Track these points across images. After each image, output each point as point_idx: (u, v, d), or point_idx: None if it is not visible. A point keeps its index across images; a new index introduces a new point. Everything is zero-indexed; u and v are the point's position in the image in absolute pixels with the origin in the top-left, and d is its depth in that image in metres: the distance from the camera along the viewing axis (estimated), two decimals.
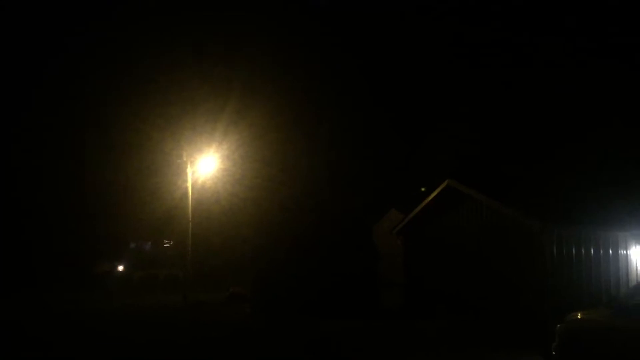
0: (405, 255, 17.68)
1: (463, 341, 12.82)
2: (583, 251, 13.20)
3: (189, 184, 22.87)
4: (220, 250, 30.81)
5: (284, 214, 23.16)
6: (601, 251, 13.33)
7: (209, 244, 29.68)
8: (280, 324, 16.86)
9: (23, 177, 33.26)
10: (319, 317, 17.01)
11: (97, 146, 31.79)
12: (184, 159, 22.94)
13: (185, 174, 23.26)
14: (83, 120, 32.31)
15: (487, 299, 14.12)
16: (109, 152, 31.28)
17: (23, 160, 33.18)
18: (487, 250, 14.37)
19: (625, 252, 13.39)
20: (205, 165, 23.70)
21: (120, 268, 34.41)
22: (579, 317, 9.33)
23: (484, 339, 12.79)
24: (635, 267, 13.27)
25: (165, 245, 38.04)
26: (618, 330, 8.26)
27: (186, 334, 15.27)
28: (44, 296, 25.83)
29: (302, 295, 19.63)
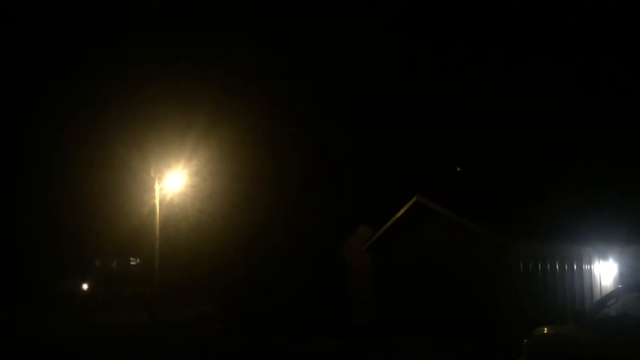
0: (374, 272, 17.71)
1: (433, 356, 12.85)
2: (549, 266, 13.47)
3: (157, 201, 22.56)
4: (188, 267, 30.36)
5: (253, 230, 23.02)
6: (566, 266, 13.62)
7: (177, 261, 29.25)
8: (251, 343, 16.64)
9: None
10: (289, 336, 16.84)
11: (61, 162, 31.07)
12: (152, 175, 22.62)
13: (153, 191, 22.94)
14: (45, 136, 31.64)
15: (456, 314, 14.25)
16: (74, 168, 30.62)
17: None
18: (455, 266, 14.53)
19: (589, 267, 13.70)
20: (174, 182, 23.42)
21: (85, 286, 33.56)
22: (545, 331, 9.47)
23: (453, 354, 12.86)
24: (599, 282, 13.57)
25: (131, 263, 37.35)
26: (584, 344, 8.42)
27: (155, 355, 14.93)
28: (1, 317, 24.95)
29: (271, 313, 19.42)
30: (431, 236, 15.56)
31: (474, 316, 13.73)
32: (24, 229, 33.04)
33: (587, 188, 16.54)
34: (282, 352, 14.96)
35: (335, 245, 25.21)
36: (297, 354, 14.41)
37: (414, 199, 15.57)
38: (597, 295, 13.36)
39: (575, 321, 8.96)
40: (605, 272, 13.46)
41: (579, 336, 8.53)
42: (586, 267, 13.67)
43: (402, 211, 16.00)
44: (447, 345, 13.48)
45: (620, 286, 11.80)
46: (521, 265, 13.17)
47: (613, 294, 9.13)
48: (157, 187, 22.81)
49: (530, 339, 9.51)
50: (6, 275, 30.95)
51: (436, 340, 14.00)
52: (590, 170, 17.98)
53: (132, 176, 25.51)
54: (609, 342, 8.09)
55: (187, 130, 23.89)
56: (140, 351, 15.62)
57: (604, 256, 13.47)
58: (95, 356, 14.68)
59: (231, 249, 22.55)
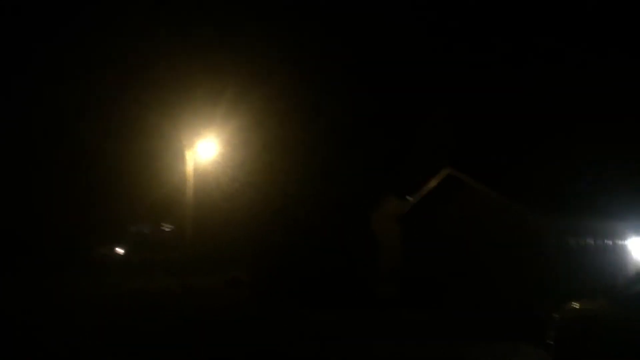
0: (403, 244, 17.68)
1: (459, 332, 12.84)
2: (582, 242, 13.28)
3: (188, 168, 22.82)
4: (220, 235, 30.82)
5: (284, 199, 23.17)
6: (600, 242, 13.41)
7: (209, 228, 29.68)
8: (276, 310, 16.93)
9: (22, 161, 33.22)
10: (315, 306, 17.06)
11: (96, 131, 31.59)
12: (183, 142, 22.85)
13: (185, 159, 23.19)
14: (80, 105, 32.14)
15: (486, 289, 14.19)
16: (108, 137, 31.14)
17: (22, 144, 33.14)
18: (486, 240, 14.42)
19: (623, 242, 13.45)
20: (205, 150, 23.60)
21: (120, 251, 34.47)
22: (575, 306, 9.38)
23: (481, 329, 12.82)
24: (632, 258, 13.34)
25: (165, 230, 38.11)
26: (614, 319, 8.32)
27: (181, 318, 15.36)
28: (42, 280, 25.91)
29: (299, 282, 19.67)
30: (462, 209, 15.42)
31: (505, 291, 13.65)
32: (62, 195, 33.96)
33: (621, 163, 16.14)
34: (301, 320, 15.22)
35: (366, 215, 25.25)
36: (315, 322, 14.66)
37: (446, 171, 15.42)
38: (631, 271, 13.15)
39: (606, 296, 8.85)
40: (638, 247, 13.22)
41: (609, 311, 8.44)
42: (620, 242, 13.44)
43: (434, 183, 15.88)
44: (475, 322, 13.45)
45: None
46: (553, 241, 13.00)
47: None
48: (188, 155, 23.04)
49: (560, 313, 9.43)
50: (46, 239, 32.00)
51: (463, 317, 13.97)
52: (625, 145, 17.51)
53: (165, 145, 25.84)
54: (638, 319, 7.98)
55: (218, 98, 23.95)
56: (167, 315, 16.08)
57: (638, 232, 13.21)
58: (122, 319, 15.13)
59: (262, 217, 22.77)
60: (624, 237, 13.61)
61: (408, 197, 18.33)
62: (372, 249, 21.85)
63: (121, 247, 34.80)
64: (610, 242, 13.51)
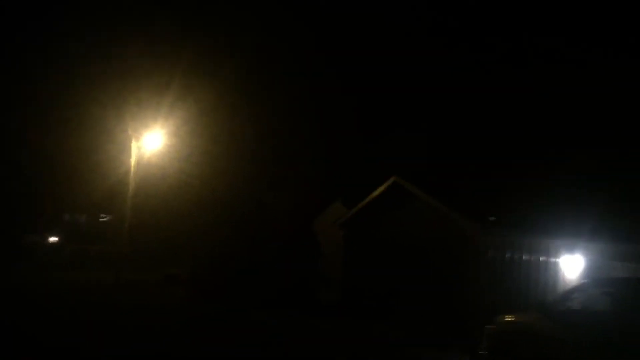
0: (345, 250, 17.67)
1: (393, 339, 12.98)
2: (516, 256, 13.66)
3: (133, 159, 22.22)
4: (162, 229, 30.09)
5: (228, 196, 22.85)
6: (534, 257, 13.82)
7: (152, 221, 28.96)
8: (214, 310, 16.62)
9: None
10: (254, 306, 16.88)
11: (36, 122, 30.36)
12: (129, 132, 22.23)
13: (130, 150, 22.56)
14: (21, 94, 30.78)
15: (423, 298, 14.37)
16: (48, 128, 29.97)
17: None
18: (426, 250, 14.61)
19: (556, 260, 13.90)
20: (151, 141, 23.03)
21: (53, 239, 33.11)
22: (507, 319, 9.61)
23: (415, 338, 12.99)
24: (564, 275, 13.80)
25: (101, 220, 36.90)
26: (544, 334, 8.56)
27: (112, 315, 14.77)
28: None
29: (238, 283, 19.40)
30: (405, 218, 15.57)
31: (440, 302, 13.88)
32: None
33: (560, 182, 16.74)
34: (238, 320, 15.00)
35: (309, 219, 25.17)
36: (253, 323, 14.47)
37: (392, 179, 15.54)
38: (562, 288, 13.59)
39: (538, 311, 9.09)
40: (571, 266, 13.69)
41: (540, 326, 8.68)
42: (553, 260, 13.88)
43: (379, 190, 15.96)
44: (410, 330, 13.61)
45: (585, 281, 12.03)
46: (489, 254, 13.32)
47: (578, 288, 9.29)
48: (134, 145, 22.43)
49: (492, 326, 9.65)
50: None
51: (399, 325, 14.13)
52: (565, 165, 18.20)
53: (109, 136, 25.09)
54: (569, 334, 8.23)
55: (165, 89, 23.43)
56: (98, 310, 15.48)
57: (570, 250, 13.69)
58: (52, 312, 14.48)
59: (206, 214, 22.39)
60: (557, 255, 14.07)
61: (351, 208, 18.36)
62: (315, 253, 21.80)
63: (54, 236, 33.44)
64: (544, 259, 13.94)
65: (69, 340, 11.11)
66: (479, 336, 9.83)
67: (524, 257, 13.80)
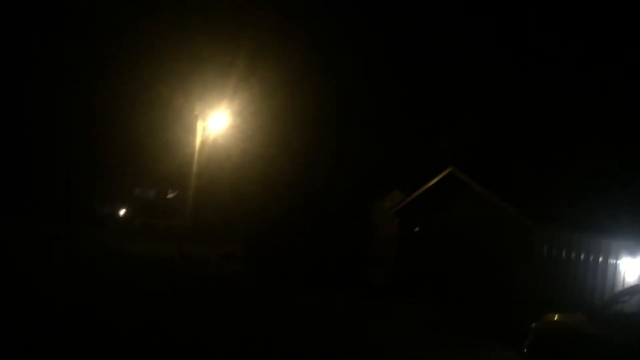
0: (399, 236, 17.82)
1: (438, 327, 13.03)
2: (573, 255, 13.26)
3: (198, 138, 23.03)
4: (225, 207, 31.03)
5: (291, 176, 23.29)
6: (592, 257, 13.37)
7: (217, 200, 29.89)
8: (266, 287, 17.17)
9: (38, 120, 33.66)
10: (306, 286, 17.29)
11: (108, 101, 31.92)
12: (196, 113, 23.02)
13: (196, 130, 23.39)
14: (93, 75, 32.33)
15: (472, 289, 14.28)
16: (123, 105, 31.46)
17: (37, 107, 33.56)
18: (479, 241, 14.47)
19: (615, 261, 13.40)
20: (216, 122, 23.76)
21: (122, 212, 34.88)
22: (555, 318, 9.44)
23: (461, 327, 12.98)
24: (622, 277, 13.30)
25: (168, 196, 38.44)
26: (589, 336, 8.37)
27: (173, 285, 15.65)
28: (47, 227, 26.45)
29: (293, 262, 19.85)
30: (460, 209, 15.49)
31: (490, 294, 13.73)
32: (72, 152, 34.45)
33: (624, 180, 15.99)
34: (288, 298, 15.40)
35: (368, 205, 25.27)
36: (301, 303, 14.85)
37: (448, 170, 15.45)
38: (615, 291, 13.12)
39: (585, 312, 8.89)
40: (631, 268, 13.16)
41: (585, 327, 8.49)
42: (612, 261, 13.38)
43: (434, 180, 15.91)
44: (456, 319, 13.62)
45: (637, 284, 11.57)
46: (545, 250, 13.02)
47: (628, 291, 9.01)
48: (199, 125, 23.23)
49: (538, 323, 9.51)
50: (53, 195, 32.59)
51: (446, 313, 14.16)
52: (631, 164, 17.36)
53: (178, 115, 26.06)
54: (614, 338, 8.02)
55: (229, 70, 23.98)
56: (160, 280, 16.37)
57: (632, 253, 13.14)
58: (115, 278, 15.41)
59: (268, 193, 22.91)
60: (617, 256, 13.55)
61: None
62: (370, 237, 21.99)
63: (125, 209, 35.21)
64: (603, 259, 13.46)
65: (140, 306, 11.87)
66: (525, 331, 9.72)
67: (581, 256, 13.39)
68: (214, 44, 26.38)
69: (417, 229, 16.66)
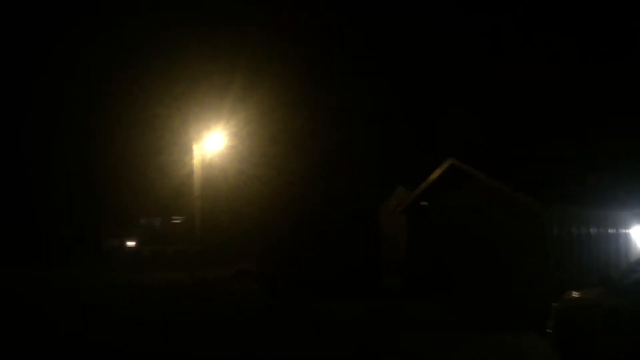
0: (408, 235, 17.77)
1: (461, 322, 12.97)
2: (584, 231, 13.30)
3: (196, 161, 23.04)
4: (227, 227, 31.05)
5: (291, 191, 23.28)
6: (602, 231, 13.42)
7: (217, 221, 29.92)
8: (285, 303, 17.12)
9: (32, 155, 33.65)
10: (321, 297, 17.23)
11: (104, 124, 31.94)
12: (191, 135, 23.06)
13: (192, 151, 23.40)
14: (87, 98, 32.45)
15: (488, 279, 14.27)
16: (115, 130, 31.48)
17: (30, 137, 33.55)
18: (488, 230, 14.48)
19: (625, 231, 13.45)
20: (213, 143, 23.78)
21: (131, 244, 34.84)
22: (574, 295, 9.45)
23: (483, 319, 12.94)
24: (635, 246, 13.34)
25: (173, 222, 38.40)
26: (609, 308, 8.38)
27: (193, 313, 15.58)
28: (52, 271, 26.33)
29: (306, 275, 19.83)
30: (466, 199, 15.49)
31: (506, 281, 13.73)
32: (70, 187, 34.42)
33: (626, 151, 16.08)
34: (306, 311, 15.38)
35: (374, 208, 25.28)
36: (321, 315, 14.83)
37: (448, 162, 15.48)
38: (631, 260, 13.16)
39: (603, 285, 8.90)
40: None
41: (605, 300, 8.49)
42: (623, 231, 13.43)
43: (436, 173, 15.94)
44: (477, 312, 13.56)
45: None
46: (555, 231, 13.05)
47: None
48: (196, 148, 23.24)
49: (558, 303, 9.51)
50: (53, 232, 32.46)
51: (465, 307, 14.09)
52: (631, 133, 17.45)
53: (172, 138, 26.09)
54: (635, 307, 8.03)
55: (225, 91, 24.09)
56: (178, 307, 16.33)
57: None
58: (136, 310, 15.40)
59: (270, 210, 22.93)
60: (628, 226, 13.60)
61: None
62: (379, 240, 21.94)
63: (132, 240, 35.17)
64: (614, 231, 13.50)
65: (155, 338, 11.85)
66: (546, 313, 9.72)
67: (591, 230, 13.43)
68: (211, 64, 26.54)
69: (425, 203, 16.40)
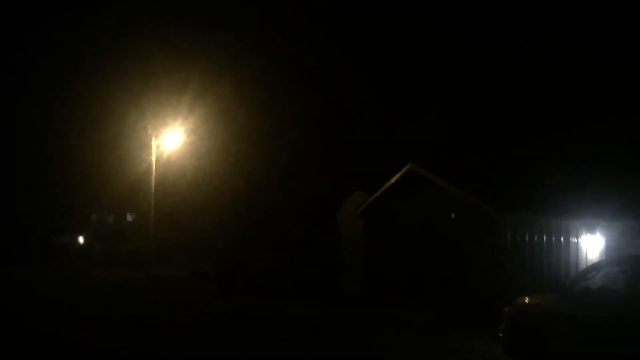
0: (365, 239, 17.75)
1: (417, 325, 13.07)
2: (537, 238, 13.60)
3: (153, 157, 22.63)
4: (185, 225, 30.58)
5: (250, 191, 23.08)
6: (555, 239, 13.74)
7: (174, 219, 29.44)
8: (244, 305, 16.89)
9: None
10: (281, 300, 17.09)
11: (59, 120, 30.99)
12: (149, 131, 22.63)
13: (150, 148, 22.99)
14: (43, 94, 31.46)
15: (445, 283, 14.43)
16: (69, 125, 30.57)
17: None
18: (446, 235, 14.64)
19: (576, 240, 13.82)
20: (171, 139, 23.42)
21: (81, 240, 33.88)
22: (526, 300, 9.63)
23: (441, 323, 13.06)
24: (585, 255, 13.72)
25: (127, 219, 37.60)
26: (561, 314, 8.56)
27: (147, 312, 15.19)
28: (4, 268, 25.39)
29: (264, 276, 19.65)
30: (423, 204, 15.61)
31: (463, 286, 13.93)
32: (21, 183, 33.30)
33: (578, 161, 16.55)
34: (265, 314, 15.22)
35: (332, 210, 25.26)
36: (281, 319, 14.68)
37: (407, 166, 15.58)
38: (581, 268, 13.52)
39: (555, 292, 9.10)
40: (592, 246, 13.60)
41: (557, 306, 8.68)
42: (574, 240, 13.79)
43: (395, 178, 16.01)
44: (434, 316, 13.68)
45: (602, 259, 11.95)
46: (509, 237, 13.29)
47: (594, 267, 9.26)
48: (153, 143, 22.85)
49: (510, 307, 9.68)
50: (4, 229, 31.33)
51: (423, 311, 14.19)
52: (583, 143, 17.98)
53: (129, 133, 25.54)
54: (586, 314, 8.23)
55: (184, 87, 23.74)
56: (132, 307, 15.90)
57: (591, 230, 13.58)
58: (86, 310, 14.93)
59: (228, 209, 22.67)
60: (579, 235, 13.98)
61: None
62: (338, 243, 21.93)
63: (84, 236, 34.22)
64: (566, 239, 13.86)
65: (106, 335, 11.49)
66: (500, 318, 9.88)
67: (545, 238, 13.74)
68: (169, 59, 26.08)
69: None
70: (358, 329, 13.11)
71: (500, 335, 9.69)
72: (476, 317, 12.52)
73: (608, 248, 13.48)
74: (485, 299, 12.81)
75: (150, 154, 22.73)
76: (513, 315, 9.57)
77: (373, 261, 17.30)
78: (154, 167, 22.66)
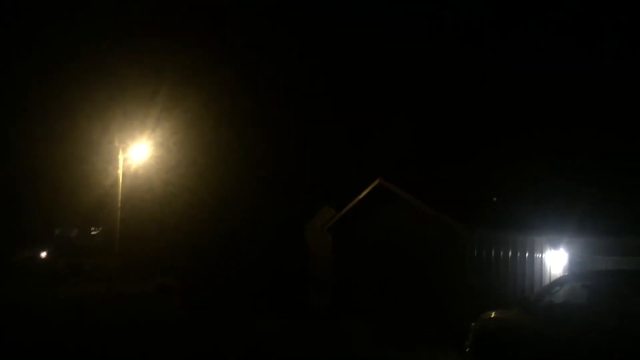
0: (334, 253, 17.86)
1: (384, 340, 13.07)
2: (502, 253, 13.78)
3: (120, 171, 22.31)
4: (151, 239, 30.11)
5: (217, 204, 22.94)
6: (519, 254, 13.94)
7: (141, 232, 28.97)
8: (209, 319, 16.63)
9: None
10: (248, 314, 16.91)
11: (22, 133, 30.32)
12: (116, 144, 22.34)
13: (117, 161, 22.67)
14: (5, 107, 30.80)
15: (412, 298, 14.52)
16: (35, 139, 29.92)
17: None
18: (413, 250, 14.76)
19: (540, 255, 14.04)
20: (138, 153, 23.15)
21: (43, 255, 33.04)
22: (491, 315, 9.73)
23: (406, 338, 13.09)
24: (548, 270, 13.94)
25: (92, 233, 36.86)
26: (526, 329, 8.67)
27: (109, 328, 14.79)
28: None
29: (230, 290, 19.46)
30: (391, 219, 15.74)
31: (429, 301, 14.01)
32: None
33: (542, 177, 16.90)
34: (231, 328, 15.04)
35: (299, 224, 25.28)
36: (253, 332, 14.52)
37: (376, 182, 15.70)
38: (545, 283, 13.72)
39: (519, 307, 9.21)
40: (555, 261, 13.83)
41: (522, 321, 8.79)
42: (538, 255, 14.01)
43: (364, 193, 16.12)
44: (400, 331, 13.72)
45: (565, 275, 12.16)
46: (475, 252, 13.43)
47: (557, 282, 9.39)
48: (120, 157, 22.55)
49: (476, 323, 9.77)
50: None
51: (389, 326, 14.23)
52: (546, 159, 18.39)
53: (95, 148, 25.16)
54: (550, 328, 8.34)
55: (151, 101, 23.55)
56: (93, 323, 15.48)
57: (555, 246, 13.82)
58: (46, 328, 14.48)
59: (195, 223, 22.46)
60: (542, 251, 14.20)
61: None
62: (306, 258, 21.92)
63: (46, 251, 33.38)
64: (530, 255, 14.06)
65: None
66: (465, 332, 9.96)
67: (510, 253, 13.92)
68: (136, 73, 25.88)
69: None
70: (317, 343, 13.02)
71: (467, 350, 9.76)
72: (442, 332, 12.60)
73: (571, 263, 13.72)
74: (451, 314, 12.92)
75: (117, 168, 22.39)
76: (479, 330, 9.67)
77: (341, 275, 17.34)
78: (120, 181, 22.31)
